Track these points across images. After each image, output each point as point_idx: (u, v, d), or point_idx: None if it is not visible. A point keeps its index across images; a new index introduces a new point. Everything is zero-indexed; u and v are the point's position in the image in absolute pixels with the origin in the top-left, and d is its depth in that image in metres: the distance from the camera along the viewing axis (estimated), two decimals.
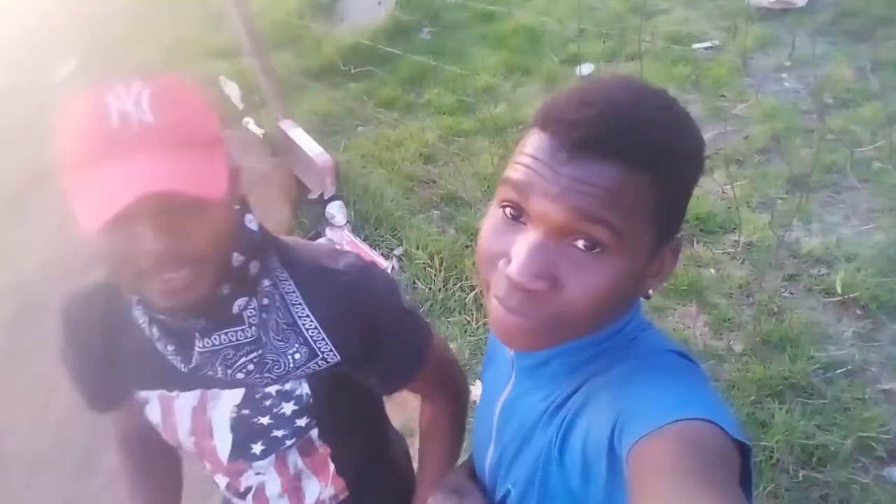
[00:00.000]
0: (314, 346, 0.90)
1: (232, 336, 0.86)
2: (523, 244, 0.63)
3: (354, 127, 3.94)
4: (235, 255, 0.84)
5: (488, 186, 3.26)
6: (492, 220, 0.68)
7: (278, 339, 0.90)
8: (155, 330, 0.86)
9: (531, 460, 0.77)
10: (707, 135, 3.07)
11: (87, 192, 0.71)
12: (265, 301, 0.89)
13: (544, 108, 0.66)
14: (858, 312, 2.43)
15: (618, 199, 0.60)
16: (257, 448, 0.95)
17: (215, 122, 0.79)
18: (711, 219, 2.93)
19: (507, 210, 0.66)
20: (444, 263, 2.87)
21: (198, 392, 0.93)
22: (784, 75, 3.79)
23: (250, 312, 0.87)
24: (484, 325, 2.60)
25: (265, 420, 0.93)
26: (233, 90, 3.93)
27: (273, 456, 0.96)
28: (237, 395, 0.92)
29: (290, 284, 0.91)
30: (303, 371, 0.91)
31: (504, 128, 3.61)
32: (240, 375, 0.89)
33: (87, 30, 5.12)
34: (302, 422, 0.95)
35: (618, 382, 0.70)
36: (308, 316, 0.90)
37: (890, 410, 2.08)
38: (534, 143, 0.64)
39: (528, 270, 0.62)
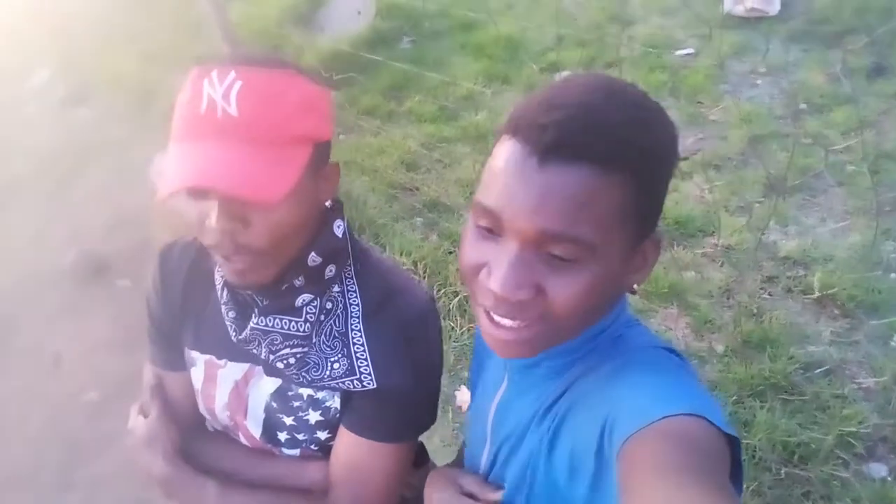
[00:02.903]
0: (355, 363, 0.90)
1: (286, 324, 0.87)
2: (503, 257, 0.64)
3: (336, 135, 3.94)
4: (313, 254, 0.86)
5: (470, 193, 3.27)
6: (469, 233, 0.69)
7: (326, 345, 0.90)
8: (225, 293, 0.89)
9: (523, 460, 0.77)
10: (685, 140, 3.11)
11: (170, 162, 0.75)
12: (328, 305, 0.90)
13: (514, 114, 0.66)
14: (836, 312, 2.47)
15: (590, 208, 0.61)
16: (283, 437, 0.96)
17: (305, 123, 0.79)
18: (691, 222, 2.97)
19: (483, 223, 0.67)
20: (427, 270, 2.87)
21: (245, 366, 0.95)
22: (759, 81, 3.86)
23: (310, 310, 0.88)
24: (468, 330, 2.61)
25: (289, 420, 0.94)
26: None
27: (298, 450, 0.97)
28: (273, 384, 0.94)
29: (356, 297, 0.92)
30: (338, 384, 0.91)
31: (485, 135, 3.64)
32: (279, 365, 0.90)
33: (64, 38, 5.07)
34: (323, 435, 0.95)
35: (606, 380, 0.71)
36: (360, 332, 0.90)
37: (868, 407, 2.11)
38: (505, 152, 0.64)
39: (510, 283, 0.64)
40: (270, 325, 0.87)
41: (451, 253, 2.92)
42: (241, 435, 0.99)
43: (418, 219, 3.24)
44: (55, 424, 2.52)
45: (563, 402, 0.74)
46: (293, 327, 0.88)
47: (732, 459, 0.61)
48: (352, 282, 0.92)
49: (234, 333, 0.89)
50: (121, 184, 3.56)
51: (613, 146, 0.61)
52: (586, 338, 0.74)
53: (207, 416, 1.01)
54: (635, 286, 0.73)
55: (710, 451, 0.58)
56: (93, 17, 5.20)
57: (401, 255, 2.96)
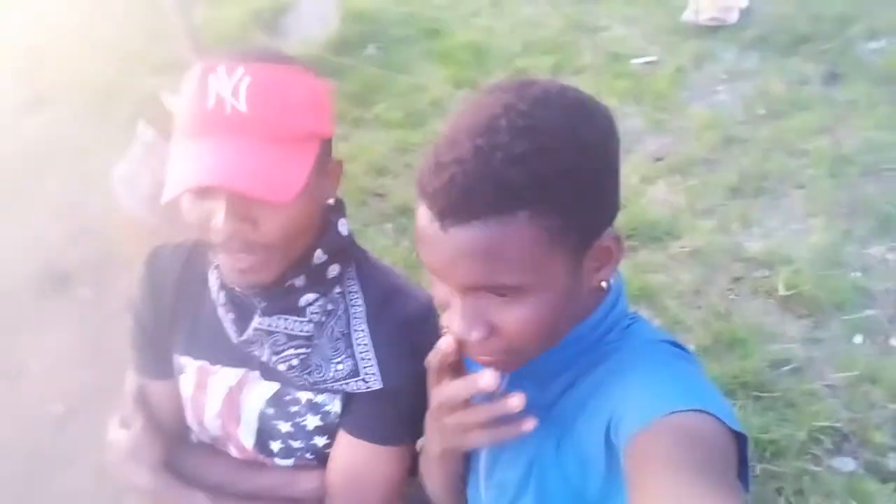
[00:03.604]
0: (359, 364, 0.89)
1: (290, 324, 0.86)
2: (454, 304, 0.67)
3: None
4: (318, 252, 0.85)
5: None
6: (428, 276, 0.71)
7: (329, 347, 0.89)
8: (222, 296, 0.87)
9: (526, 457, 0.77)
10: (649, 147, 3.17)
11: (176, 159, 0.74)
12: (330, 306, 0.89)
13: (417, 175, 0.66)
14: (801, 311, 2.53)
15: (501, 256, 0.61)
16: (276, 446, 0.93)
17: (312, 120, 0.78)
18: (658, 225, 3.01)
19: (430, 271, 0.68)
20: None
21: (240, 371, 0.92)
22: (719, 88, 3.95)
23: (314, 310, 0.87)
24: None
25: (286, 426, 0.91)
26: (176, 105, 3.84)
27: (291, 459, 0.94)
28: (270, 389, 0.91)
29: (358, 298, 0.90)
30: (341, 386, 0.89)
31: None
32: (282, 367, 0.87)
33: (22, 41, 4.92)
34: (321, 441, 0.92)
35: (610, 376, 0.71)
36: (364, 332, 0.89)
37: (835, 403, 2.17)
38: (420, 214, 0.66)
39: (462, 328, 0.66)
40: (274, 325, 0.85)
41: None
42: (230, 446, 0.96)
43: (388, 224, 3.22)
44: (19, 437, 2.44)
45: (566, 401, 0.75)
46: (297, 328, 0.86)
47: (740, 456, 0.62)
48: (353, 282, 0.91)
49: (235, 335, 0.87)
50: (82, 192, 3.46)
51: (503, 194, 0.60)
52: (571, 340, 0.74)
53: (195, 427, 0.98)
54: (603, 283, 0.74)
55: (716, 447, 0.59)
56: (53, 19, 5.06)
57: None
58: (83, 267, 3.16)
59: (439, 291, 0.70)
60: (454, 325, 0.67)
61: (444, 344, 0.74)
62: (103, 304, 2.95)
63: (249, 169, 0.72)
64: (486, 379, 0.68)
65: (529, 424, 0.70)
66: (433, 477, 0.89)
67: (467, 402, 0.73)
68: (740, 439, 0.62)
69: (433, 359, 0.76)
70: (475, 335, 0.66)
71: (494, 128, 0.61)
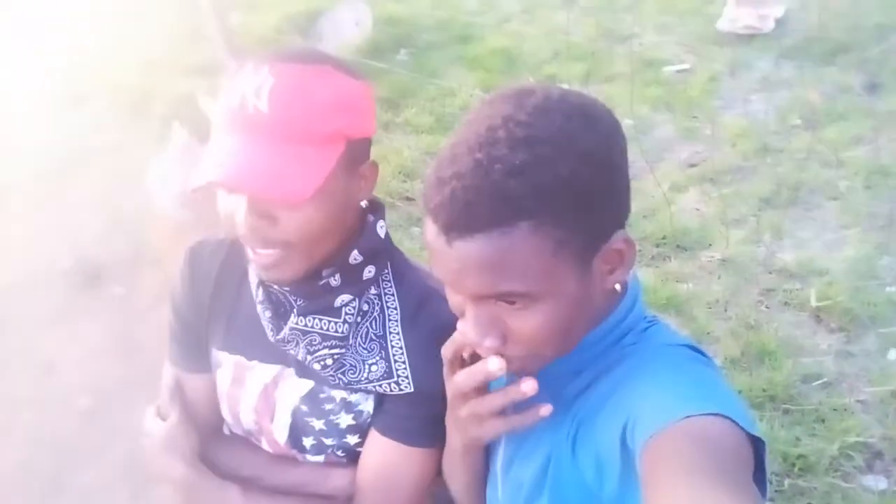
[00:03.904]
0: (393, 366, 0.89)
1: (325, 325, 0.87)
2: (467, 312, 0.68)
3: None
4: (355, 252, 0.86)
5: None
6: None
7: (364, 347, 0.90)
8: (261, 292, 0.88)
9: (542, 457, 0.77)
10: (680, 155, 3.14)
11: (206, 154, 0.76)
12: (365, 307, 0.90)
13: (423, 189, 0.67)
14: (833, 325, 2.48)
15: (507, 266, 0.62)
16: (308, 443, 0.94)
17: (339, 120, 0.78)
18: (688, 235, 2.98)
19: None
20: None
21: (276, 368, 0.93)
22: (754, 97, 3.90)
23: (349, 310, 0.87)
24: None
25: (319, 423, 0.92)
26: (211, 108, 3.90)
27: (323, 456, 0.95)
28: (305, 386, 0.92)
29: (394, 300, 0.91)
30: (374, 387, 0.90)
31: None
32: (316, 366, 0.88)
33: (62, 41, 5.05)
34: (353, 439, 0.93)
35: (627, 379, 0.71)
36: (398, 335, 0.90)
37: (867, 419, 2.12)
38: (426, 228, 0.67)
39: (476, 335, 0.67)
40: (309, 325, 0.86)
41: None
42: (263, 440, 0.98)
43: (416, 228, 3.24)
44: (47, 430, 2.49)
45: (583, 402, 0.74)
46: (332, 328, 0.87)
47: (757, 461, 0.61)
48: (389, 285, 0.92)
49: (271, 333, 0.88)
50: (117, 190, 3.54)
51: (503, 206, 0.60)
52: (587, 343, 0.74)
53: (230, 420, 0.99)
54: (617, 286, 0.73)
55: (733, 452, 0.58)
56: (92, 20, 5.19)
57: None
58: (116, 264, 3.23)
59: (454, 300, 0.71)
60: (469, 333, 0.68)
61: (458, 336, 0.74)
62: (134, 301, 3.01)
63: (263, 169, 0.73)
64: (494, 363, 0.69)
65: (545, 410, 0.71)
66: (457, 476, 0.89)
67: (481, 391, 0.74)
68: (758, 444, 0.61)
69: (447, 351, 0.77)
70: (489, 343, 0.67)
71: (493, 140, 0.62)
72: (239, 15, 4.45)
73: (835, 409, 2.16)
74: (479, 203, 0.60)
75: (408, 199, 3.40)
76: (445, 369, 0.79)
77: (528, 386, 0.69)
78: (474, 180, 0.61)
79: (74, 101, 4.40)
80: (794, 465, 2.00)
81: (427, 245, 0.67)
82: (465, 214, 0.61)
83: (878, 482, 1.96)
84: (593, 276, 0.68)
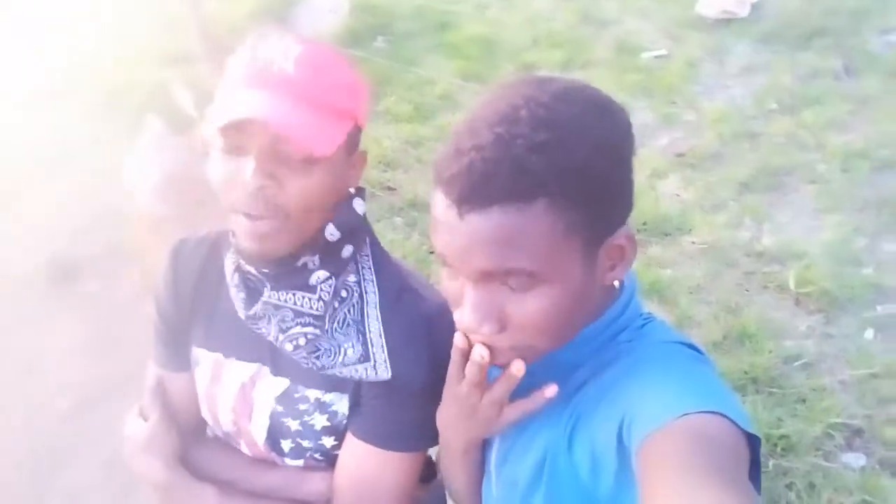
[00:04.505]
0: (370, 350, 0.87)
1: (299, 300, 0.85)
2: (466, 295, 0.67)
3: None
4: (331, 227, 0.85)
5: None
6: (442, 271, 0.71)
7: (340, 332, 0.88)
8: (236, 277, 0.87)
9: (538, 454, 0.77)
10: (660, 140, 3.14)
11: (219, 105, 0.76)
12: (343, 293, 0.88)
13: (435, 163, 0.67)
14: (812, 307, 2.52)
15: (518, 242, 0.61)
16: (286, 445, 0.93)
17: (352, 102, 0.82)
18: (668, 221, 3.00)
19: (444, 262, 0.69)
20: None
21: (253, 367, 0.92)
22: (731, 82, 3.93)
23: (325, 288, 0.86)
24: None
25: (295, 424, 0.91)
26: (186, 98, 3.84)
27: (302, 460, 0.94)
28: (280, 385, 0.91)
29: (373, 286, 0.90)
30: (350, 372, 0.87)
31: None
32: (288, 346, 0.86)
33: (32, 36, 4.93)
34: (329, 442, 0.92)
35: (623, 376, 0.71)
36: (377, 320, 0.88)
37: (847, 399, 2.16)
38: (436, 201, 0.66)
39: (475, 319, 0.66)
40: (282, 299, 0.85)
41: (432, 252, 2.91)
42: (242, 442, 0.96)
43: (398, 218, 3.22)
44: (26, 432, 2.45)
45: (580, 399, 0.74)
46: (305, 304, 0.85)
47: (752, 457, 0.61)
48: (369, 271, 0.90)
49: (244, 310, 0.86)
50: (92, 185, 3.47)
51: (522, 181, 0.60)
52: (583, 338, 0.74)
53: (210, 421, 0.98)
54: (615, 282, 0.74)
55: (728, 450, 0.58)
56: (63, 11, 5.07)
57: None
58: (92, 260, 3.17)
59: (451, 287, 0.69)
60: (465, 318, 0.67)
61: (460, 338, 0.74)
62: (111, 298, 2.96)
63: (288, 118, 0.74)
64: (478, 350, 0.70)
65: (551, 391, 0.72)
66: (457, 476, 0.88)
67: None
68: (753, 441, 0.61)
69: (456, 353, 0.76)
70: (487, 328, 0.66)
71: (515, 118, 0.62)
72: (213, 3, 4.38)
73: (815, 390, 2.20)
74: (498, 175, 0.60)
75: (388, 188, 3.38)
76: (453, 370, 0.77)
77: (517, 366, 0.70)
78: (495, 153, 0.61)
79: (48, 95, 4.31)
80: (776, 445, 2.03)
81: (434, 220, 0.67)
82: (483, 186, 0.61)
83: (857, 460, 2.00)
84: (596, 269, 0.68)
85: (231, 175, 0.77)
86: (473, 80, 4.26)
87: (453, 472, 0.88)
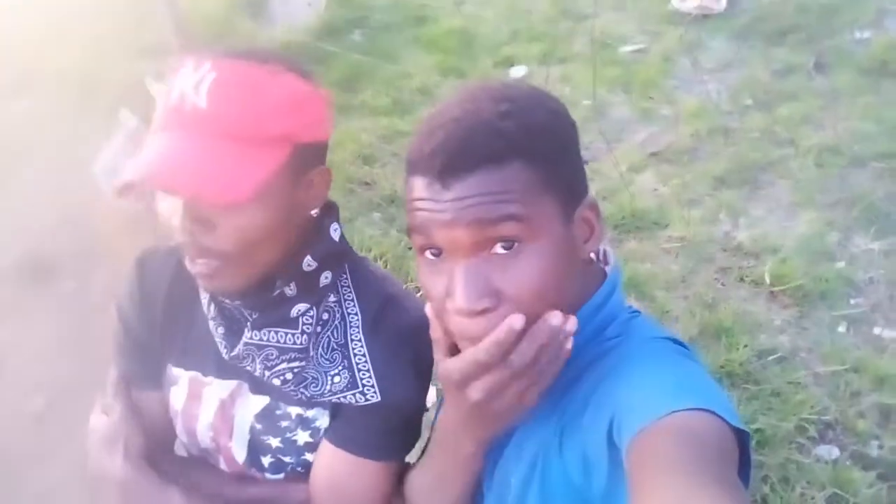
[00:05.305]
0: (357, 375, 0.86)
1: (282, 337, 0.83)
2: (456, 275, 0.67)
3: None
4: (308, 258, 0.82)
5: None
6: (422, 268, 0.71)
7: (325, 358, 0.86)
8: (213, 308, 0.84)
9: (531, 453, 0.77)
10: (637, 136, 3.15)
11: (143, 150, 0.73)
12: (325, 315, 0.86)
13: (408, 155, 0.71)
14: (786, 301, 2.55)
15: (503, 196, 0.64)
16: (267, 461, 0.91)
17: (286, 123, 0.74)
18: (645, 215, 3.02)
19: (428, 253, 0.69)
20: (388, 265, 2.85)
21: (233, 384, 0.89)
22: (707, 77, 3.96)
23: (307, 320, 0.83)
24: None
25: (276, 442, 0.89)
26: (160, 91, 3.78)
27: (282, 474, 0.92)
28: (260, 403, 0.89)
29: (354, 306, 0.88)
30: (339, 398, 0.85)
31: None
32: (276, 381, 0.84)
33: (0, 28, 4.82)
34: (311, 457, 0.90)
35: (611, 375, 0.70)
36: (361, 343, 0.86)
37: (820, 393, 2.19)
38: (414, 187, 0.68)
39: (469, 295, 0.65)
40: (265, 339, 0.82)
41: (410, 248, 2.90)
42: (221, 458, 0.94)
43: (376, 214, 3.21)
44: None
45: (570, 398, 0.74)
46: (289, 340, 0.83)
47: (742, 452, 0.61)
48: (349, 290, 0.89)
49: (225, 351, 0.84)
50: (64, 181, 3.41)
51: (498, 142, 0.65)
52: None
53: (185, 439, 0.95)
54: (591, 255, 0.76)
55: (717, 447, 0.58)
56: (33, 2, 4.96)
57: (360, 251, 2.93)
58: (65, 257, 3.12)
59: (436, 281, 0.68)
60: (459, 299, 0.65)
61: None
62: (85, 296, 2.91)
63: (194, 167, 0.69)
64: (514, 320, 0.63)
65: (568, 345, 0.65)
66: (454, 485, 0.83)
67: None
68: (742, 436, 0.62)
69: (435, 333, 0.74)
70: (483, 303, 0.65)
71: (476, 97, 0.69)
72: None
73: (790, 384, 2.23)
74: (474, 141, 0.65)
75: (366, 184, 3.36)
76: (460, 366, 0.71)
77: (556, 318, 0.63)
78: (468, 122, 0.66)
79: (17, 87, 4.22)
80: (752, 439, 2.05)
81: (414, 204, 0.68)
82: (462, 154, 0.65)
83: (830, 452, 2.03)
84: (574, 236, 0.70)
85: (171, 215, 0.76)
86: (451, 73, 4.25)
87: (450, 479, 0.85)
